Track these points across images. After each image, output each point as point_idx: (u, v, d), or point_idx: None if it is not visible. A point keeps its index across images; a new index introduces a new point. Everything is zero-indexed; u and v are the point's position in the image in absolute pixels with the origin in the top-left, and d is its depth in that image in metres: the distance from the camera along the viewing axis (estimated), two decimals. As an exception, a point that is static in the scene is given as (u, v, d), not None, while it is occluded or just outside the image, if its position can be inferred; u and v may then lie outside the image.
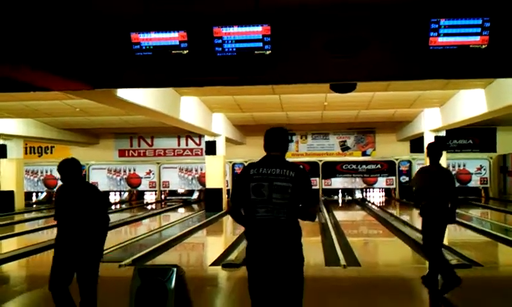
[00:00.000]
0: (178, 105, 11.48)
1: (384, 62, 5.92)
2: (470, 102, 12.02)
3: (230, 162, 21.52)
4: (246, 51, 5.46)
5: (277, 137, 3.56)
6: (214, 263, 8.17)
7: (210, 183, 17.29)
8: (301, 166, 3.71)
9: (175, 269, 4.04)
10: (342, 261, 7.78)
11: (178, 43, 5.55)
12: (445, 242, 9.96)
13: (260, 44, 5.42)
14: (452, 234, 12.36)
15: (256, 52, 5.45)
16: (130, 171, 22.80)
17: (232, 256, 8.32)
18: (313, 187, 14.90)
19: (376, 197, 21.66)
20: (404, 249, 9.67)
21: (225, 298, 6.25)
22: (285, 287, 3.42)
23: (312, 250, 8.67)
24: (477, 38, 5.29)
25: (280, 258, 3.39)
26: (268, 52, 5.43)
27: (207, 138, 17.09)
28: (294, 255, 3.45)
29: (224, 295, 6.41)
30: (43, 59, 5.33)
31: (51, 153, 23.27)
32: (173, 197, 22.54)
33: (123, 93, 7.90)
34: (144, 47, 5.63)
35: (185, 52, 5.55)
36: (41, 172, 23.39)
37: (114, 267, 7.68)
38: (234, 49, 5.46)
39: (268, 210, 3.36)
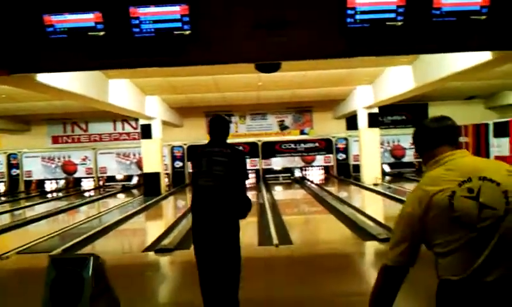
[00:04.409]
0: (107, 88, 11.13)
1: (309, 40, 5.91)
2: (398, 78, 12.35)
3: (169, 145, 21.22)
4: (165, 31, 5.32)
5: (217, 123, 4.25)
6: (148, 249, 8.07)
7: (148, 168, 17.03)
8: (241, 147, 4.02)
9: (92, 258, 3.92)
10: (275, 241, 7.86)
11: (93, 24, 5.34)
12: (379, 217, 10.21)
13: (179, 24, 5.30)
14: (385, 209, 12.78)
15: (175, 32, 5.33)
16: (64, 158, 22.06)
17: (166, 241, 8.23)
18: (254, 168, 14.75)
19: (315, 175, 22.00)
20: (339, 226, 9.79)
21: (157, 283, 6.19)
22: (223, 249, 4.03)
23: (246, 231, 8.64)
24: (393, 15, 5.38)
25: (217, 219, 4.03)
26: (188, 32, 5.32)
27: (142, 121, 16.79)
28: (229, 219, 4.08)
29: (156, 281, 6.34)
30: None
31: (-21, 141, 22.22)
32: (111, 183, 22.03)
33: (44, 77, 7.56)
34: (58, 30, 5.38)
35: (102, 33, 5.36)
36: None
37: (45, 257, 7.42)
38: (152, 30, 5.31)
39: (207, 180, 4.05)
